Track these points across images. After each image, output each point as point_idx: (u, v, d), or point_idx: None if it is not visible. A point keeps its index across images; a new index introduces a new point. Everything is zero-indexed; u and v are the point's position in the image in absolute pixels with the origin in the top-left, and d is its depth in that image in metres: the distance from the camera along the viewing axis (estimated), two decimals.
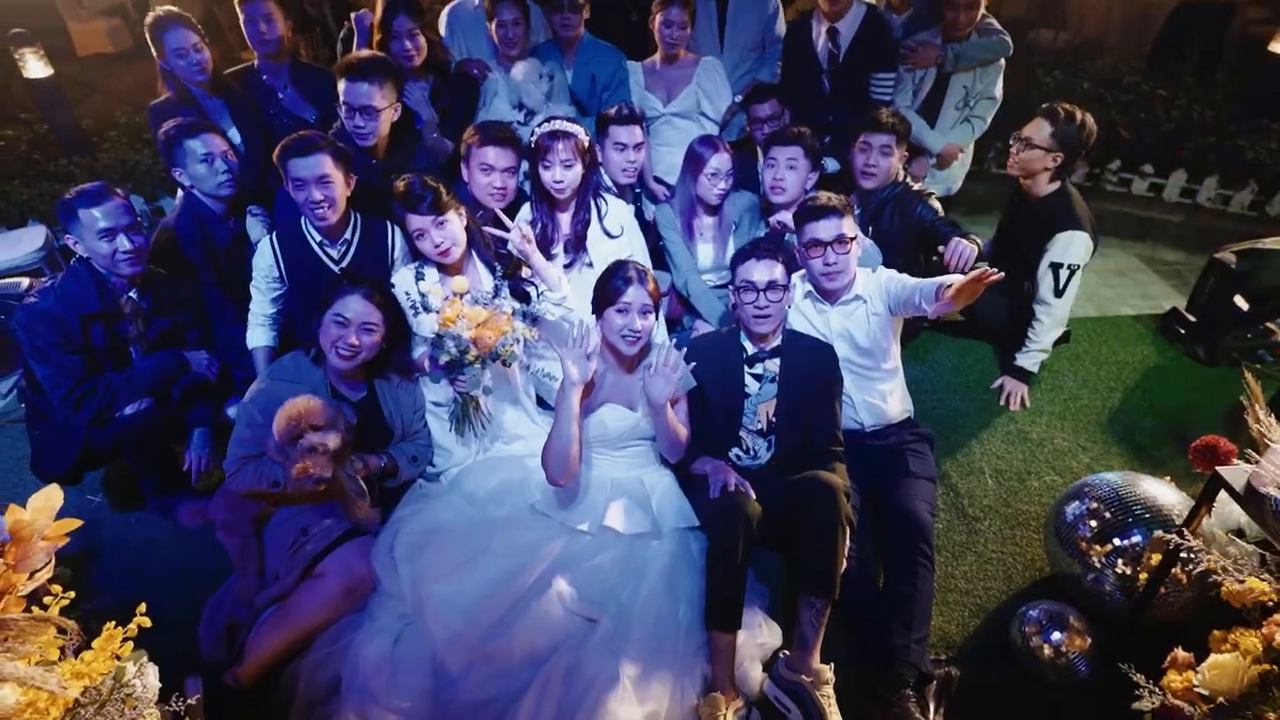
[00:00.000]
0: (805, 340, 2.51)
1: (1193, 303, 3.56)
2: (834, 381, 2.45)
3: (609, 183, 3.08)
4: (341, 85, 2.69)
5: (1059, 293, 3.02)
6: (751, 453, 2.50)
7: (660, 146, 3.63)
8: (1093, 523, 2.23)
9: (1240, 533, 2.05)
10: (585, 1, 3.37)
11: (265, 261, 2.61)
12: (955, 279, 2.28)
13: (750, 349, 2.46)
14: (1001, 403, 3.19)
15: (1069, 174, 3.10)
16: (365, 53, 2.86)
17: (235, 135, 3.11)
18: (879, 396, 2.65)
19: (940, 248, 2.97)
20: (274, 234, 2.63)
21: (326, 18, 5.41)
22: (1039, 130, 2.97)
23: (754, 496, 2.18)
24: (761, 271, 2.35)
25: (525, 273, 2.65)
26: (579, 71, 3.46)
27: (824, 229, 2.49)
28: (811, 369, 2.44)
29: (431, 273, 2.56)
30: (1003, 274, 2.22)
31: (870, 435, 2.65)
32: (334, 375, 2.40)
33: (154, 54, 3.02)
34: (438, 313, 2.39)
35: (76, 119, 4.81)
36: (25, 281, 3.43)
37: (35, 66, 4.43)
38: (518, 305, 2.58)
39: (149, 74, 3.26)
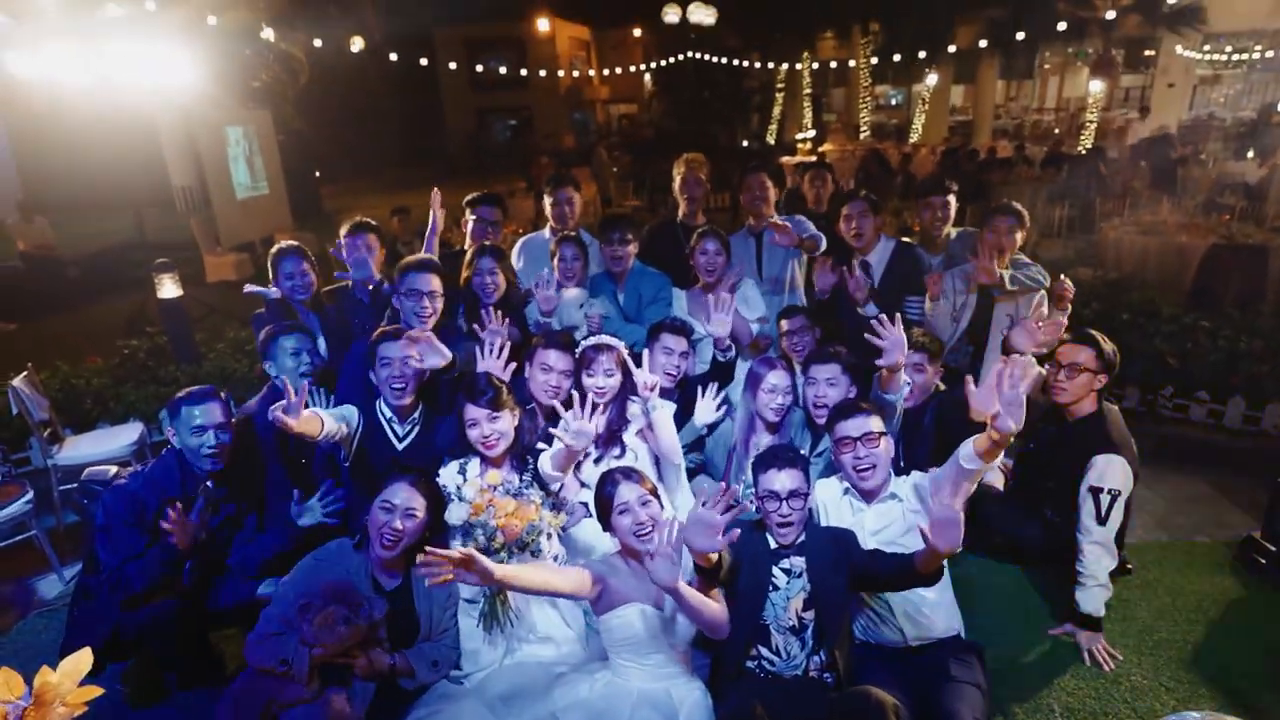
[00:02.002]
0: (824, 531, 2.51)
1: (1270, 530, 3.33)
2: (857, 563, 2.38)
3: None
4: (409, 277, 3.18)
5: (1101, 520, 2.88)
6: (784, 655, 2.37)
7: (703, 365, 3.87)
8: None
9: None
10: (634, 239, 3.84)
11: (350, 414, 2.86)
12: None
13: (774, 544, 2.46)
14: (1087, 663, 2.87)
15: (1119, 398, 3.13)
16: (422, 255, 3.40)
17: (322, 343, 3.52)
18: (921, 607, 2.52)
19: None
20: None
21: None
22: (1081, 354, 3.03)
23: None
24: (784, 480, 2.40)
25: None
26: (629, 294, 3.86)
27: (852, 427, 2.59)
28: (839, 555, 2.38)
29: (474, 466, 2.69)
30: None
31: (914, 650, 2.49)
32: (375, 563, 2.47)
33: (270, 277, 3.56)
34: (469, 502, 2.50)
35: (192, 333, 5.48)
36: (113, 469, 3.73)
37: (169, 288, 5.20)
38: (545, 496, 2.66)
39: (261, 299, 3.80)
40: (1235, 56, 15.29)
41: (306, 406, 2.58)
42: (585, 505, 3.04)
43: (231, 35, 9.37)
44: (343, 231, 3.69)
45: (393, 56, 15.52)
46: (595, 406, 2.77)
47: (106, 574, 2.55)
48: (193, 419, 2.66)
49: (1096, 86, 16.38)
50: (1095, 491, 2.88)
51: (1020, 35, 15.45)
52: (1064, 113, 23.66)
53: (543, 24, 20.99)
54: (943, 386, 3.36)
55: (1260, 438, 4.68)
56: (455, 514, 2.53)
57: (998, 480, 3.54)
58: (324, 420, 2.65)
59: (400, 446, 2.94)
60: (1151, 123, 17.25)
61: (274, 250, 3.61)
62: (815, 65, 17.92)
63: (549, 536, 2.63)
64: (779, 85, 20.85)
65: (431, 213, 3.88)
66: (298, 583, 2.39)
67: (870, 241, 3.89)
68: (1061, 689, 2.71)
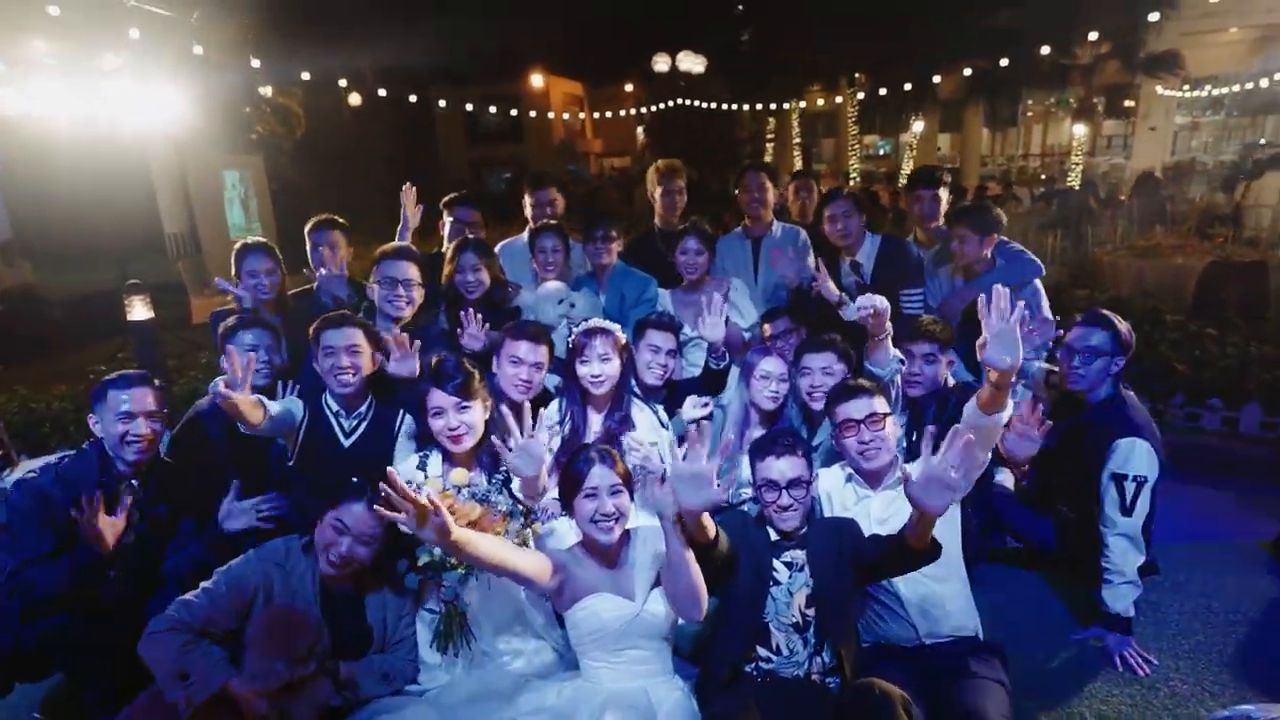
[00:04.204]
0: (825, 522, 2.31)
1: None
2: (859, 551, 2.15)
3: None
4: (385, 264, 2.99)
5: (1127, 510, 2.63)
6: (785, 652, 2.11)
7: (690, 367, 3.68)
8: None
9: None
10: (617, 236, 3.68)
11: (295, 407, 2.64)
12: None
13: (774, 535, 2.23)
14: (1119, 668, 2.59)
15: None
16: (398, 243, 3.19)
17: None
18: (935, 601, 2.28)
19: None
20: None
21: None
22: (1095, 337, 2.80)
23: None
24: (783, 468, 2.19)
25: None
26: (611, 294, 3.66)
27: (856, 408, 2.39)
28: (841, 545, 2.15)
29: (436, 461, 2.45)
30: None
31: (929, 647, 2.24)
32: (324, 569, 2.23)
33: (232, 272, 3.36)
34: None
35: (164, 357, 5.28)
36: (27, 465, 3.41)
37: (139, 311, 5.02)
38: (515, 504, 2.36)
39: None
40: (1215, 92, 15.60)
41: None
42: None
43: (221, 70, 9.44)
44: (307, 229, 3.53)
45: (386, 101, 15.74)
46: (549, 427, 2.50)
47: (4, 578, 2.25)
48: (120, 404, 2.41)
49: (1080, 130, 16.64)
50: (1119, 479, 2.65)
51: (1004, 82, 15.79)
52: (1050, 158, 24.07)
53: (537, 80, 21.55)
54: (952, 381, 3.15)
55: (1278, 445, 4.46)
56: None
57: (1008, 481, 3.30)
58: (266, 408, 2.42)
59: (347, 443, 2.67)
60: (1135, 166, 17.51)
61: (238, 246, 3.40)
62: (803, 105, 18.26)
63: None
64: (769, 136, 21.25)
65: (403, 211, 3.66)
66: (235, 581, 2.12)
67: (858, 240, 3.75)
68: (1093, 696, 2.43)
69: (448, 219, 3.90)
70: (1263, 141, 16.92)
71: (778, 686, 2.08)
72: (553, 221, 3.69)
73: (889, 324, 2.80)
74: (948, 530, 2.35)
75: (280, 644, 1.98)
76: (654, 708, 1.99)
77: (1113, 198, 12.35)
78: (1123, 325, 2.81)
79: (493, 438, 2.35)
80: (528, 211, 4.01)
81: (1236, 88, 14.13)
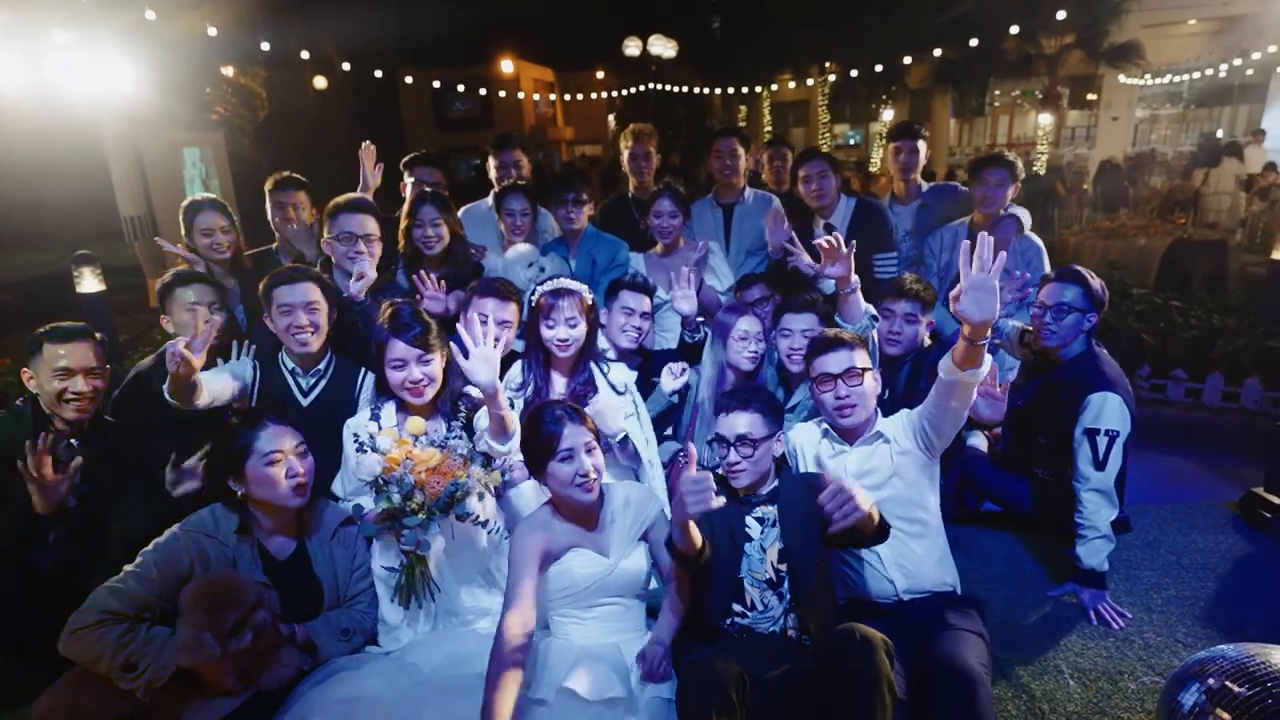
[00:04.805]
0: (797, 476, 2.27)
1: (1273, 482, 3.13)
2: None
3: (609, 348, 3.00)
4: (341, 218, 2.83)
5: (1100, 465, 2.62)
6: (760, 607, 2.06)
7: (663, 333, 3.61)
8: (1226, 715, 1.68)
9: None
10: (589, 200, 3.58)
11: (243, 370, 2.52)
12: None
13: (741, 493, 2.17)
14: (1094, 622, 2.57)
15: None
16: (353, 194, 3.03)
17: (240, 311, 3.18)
18: (913, 557, 2.24)
19: None
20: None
21: None
22: (1067, 293, 2.77)
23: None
24: (732, 423, 2.13)
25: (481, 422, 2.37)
26: (581, 259, 3.57)
27: (833, 362, 2.31)
28: (812, 502, 2.05)
29: (389, 412, 2.35)
30: None
31: (906, 603, 2.19)
32: (260, 532, 2.10)
33: (182, 233, 3.20)
34: (383, 454, 2.11)
35: (115, 331, 5.05)
36: None
37: (89, 282, 4.78)
38: (475, 451, 2.27)
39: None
40: (1176, 79, 15.93)
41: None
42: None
43: (177, 41, 9.07)
44: (268, 187, 3.37)
45: (351, 85, 15.40)
46: (497, 339, 2.35)
47: None
48: (57, 359, 2.28)
49: (1046, 119, 16.90)
50: (1091, 434, 2.64)
51: (970, 70, 15.94)
52: (1017, 148, 24.44)
53: (507, 66, 21.22)
54: (929, 342, 3.13)
55: (1241, 414, 4.54)
56: (367, 467, 2.13)
57: (982, 444, 3.30)
58: (203, 389, 2.30)
59: (305, 401, 2.56)
60: (1098, 156, 17.83)
61: (187, 203, 3.21)
62: (774, 88, 18.28)
63: (480, 497, 2.24)
64: (741, 124, 21.25)
65: (362, 171, 3.47)
66: (166, 560, 1.96)
67: (833, 202, 3.70)
68: (1069, 649, 2.41)
69: (409, 180, 3.75)
70: (1219, 133, 17.30)
71: (753, 642, 2.03)
72: (519, 184, 3.58)
73: (855, 276, 2.71)
74: (926, 486, 2.32)
75: (206, 615, 1.84)
76: (626, 662, 1.93)
77: (1077, 185, 12.55)
78: (1095, 281, 2.80)
79: (451, 345, 2.26)
80: (492, 174, 3.89)
81: (1197, 75, 14.41)
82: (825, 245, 2.67)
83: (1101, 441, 2.62)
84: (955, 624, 2.08)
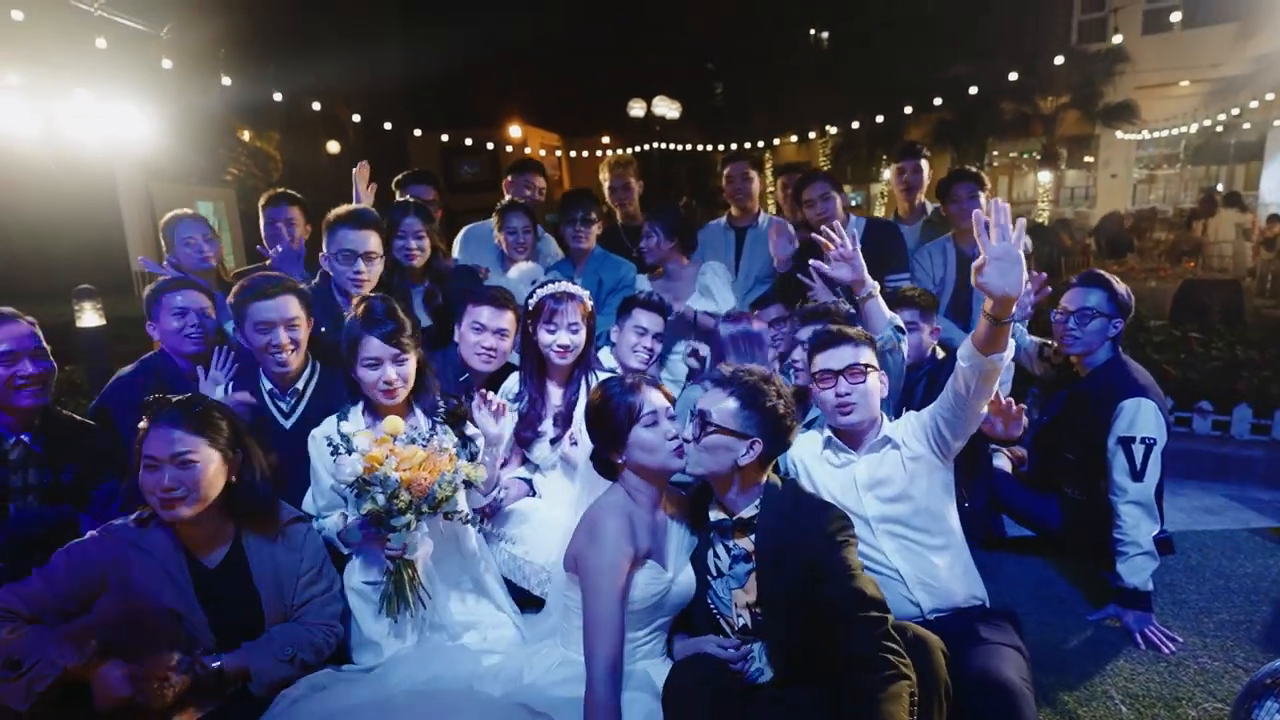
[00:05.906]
0: (790, 498, 1.93)
1: None
2: (834, 555, 1.78)
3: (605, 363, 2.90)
4: (341, 233, 2.67)
5: (1137, 475, 2.45)
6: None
7: (669, 380, 3.50)
8: None
9: None
10: (597, 219, 3.52)
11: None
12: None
13: (713, 514, 1.97)
14: (1142, 646, 2.36)
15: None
16: (355, 205, 2.88)
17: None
18: (934, 572, 2.06)
19: None
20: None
21: None
22: (1092, 297, 2.64)
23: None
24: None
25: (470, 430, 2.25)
26: (587, 279, 3.47)
27: (835, 357, 2.13)
28: (797, 536, 1.83)
29: (355, 414, 2.20)
30: None
31: (933, 623, 1.98)
32: (187, 535, 1.86)
33: (164, 250, 3.14)
34: (361, 454, 1.93)
35: (111, 367, 4.96)
36: None
37: (89, 317, 4.73)
38: (459, 444, 2.10)
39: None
40: (1173, 132, 16.19)
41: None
42: (528, 482, 2.58)
43: (192, 90, 9.28)
44: (262, 204, 3.31)
45: (365, 149, 15.78)
46: (501, 408, 2.29)
47: None
48: None
49: (1045, 177, 17.12)
50: (1126, 442, 2.47)
51: (969, 130, 16.27)
52: (1018, 206, 24.75)
53: (515, 130, 21.82)
54: (941, 354, 3.00)
55: (1272, 445, 4.34)
56: (346, 469, 1.92)
57: (1007, 465, 3.12)
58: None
59: (288, 424, 2.37)
60: (1098, 214, 18.00)
61: (166, 218, 3.14)
62: (776, 144, 18.67)
63: (467, 486, 2.08)
64: None
65: (355, 190, 3.32)
66: (77, 565, 1.76)
67: (841, 223, 3.64)
68: (1117, 675, 2.21)
69: (402, 198, 3.69)
70: (1219, 186, 17.49)
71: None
72: (521, 200, 3.53)
73: (871, 280, 2.54)
74: (943, 494, 2.15)
75: (132, 647, 1.66)
76: (656, 685, 1.76)
77: (1081, 239, 12.62)
78: (1120, 286, 2.69)
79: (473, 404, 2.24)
80: (507, 198, 3.85)
81: (1194, 129, 14.66)
82: (826, 244, 2.54)
83: (1138, 450, 2.45)
84: (989, 638, 1.89)
